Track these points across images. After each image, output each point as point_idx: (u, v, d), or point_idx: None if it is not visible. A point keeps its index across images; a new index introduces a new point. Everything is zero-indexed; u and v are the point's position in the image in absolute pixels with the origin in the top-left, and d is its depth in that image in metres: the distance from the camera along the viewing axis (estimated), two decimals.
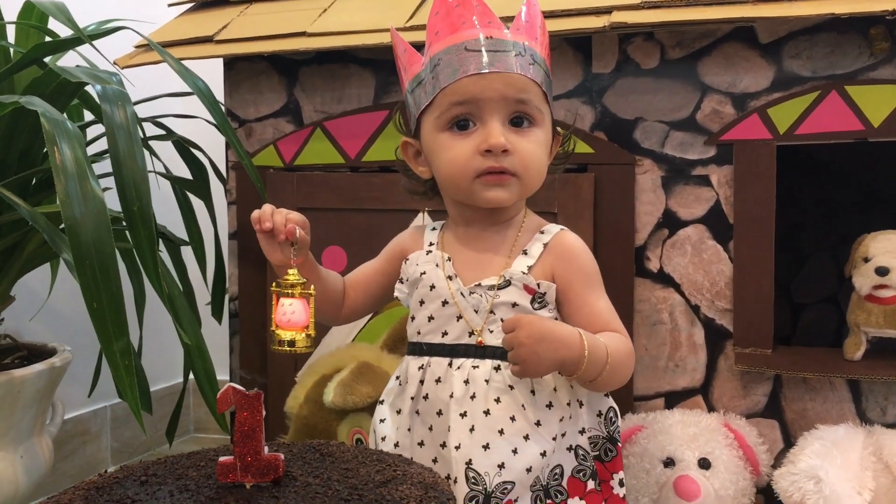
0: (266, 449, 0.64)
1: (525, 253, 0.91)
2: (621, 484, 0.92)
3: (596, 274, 0.94)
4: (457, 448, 0.86)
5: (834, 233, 1.66)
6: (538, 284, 0.90)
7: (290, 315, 0.85)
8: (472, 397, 0.87)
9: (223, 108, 1.47)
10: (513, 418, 0.87)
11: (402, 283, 0.97)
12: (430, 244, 0.97)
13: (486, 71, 0.86)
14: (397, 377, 0.96)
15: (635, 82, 1.28)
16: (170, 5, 1.58)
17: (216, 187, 1.56)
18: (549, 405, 0.88)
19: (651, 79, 1.27)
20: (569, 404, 0.90)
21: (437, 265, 0.93)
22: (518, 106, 0.88)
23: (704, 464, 1.14)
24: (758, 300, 1.23)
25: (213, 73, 1.51)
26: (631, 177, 1.28)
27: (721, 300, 1.25)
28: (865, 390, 1.20)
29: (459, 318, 0.90)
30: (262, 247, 0.94)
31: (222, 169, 1.53)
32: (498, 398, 0.87)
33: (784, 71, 1.21)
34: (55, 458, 1.38)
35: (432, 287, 0.91)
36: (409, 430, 0.92)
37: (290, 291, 0.85)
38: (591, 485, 0.90)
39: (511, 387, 0.87)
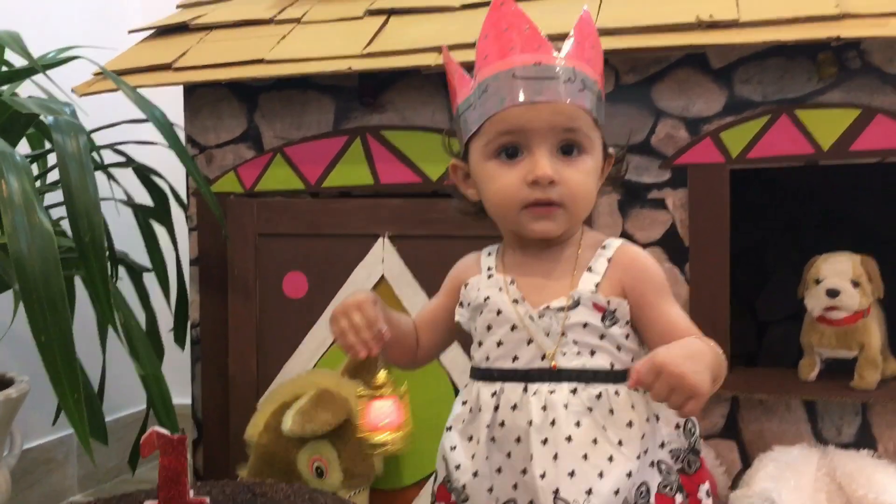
0: (192, 492, 0.63)
1: (590, 270, 0.88)
2: (708, 495, 0.89)
3: (665, 283, 0.90)
4: (542, 477, 0.83)
5: (797, 251, 1.68)
6: (608, 301, 0.86)
7: (387, 417, 0.80)
8: (553, 423, 0.84)
9: (184, 133, 1.47)
10: (595, 441, 0.84)
11: (461, 307, 0.94)
12: (489, 268, 0.93)
13: (534, 100, 0.83)
14: (464, 402, 0.92)
15: None
16: (130, 32, 1.58)
17: (179, 212, 1.56)
18: (630, 423, 0.85)
19: (607, 103, 1.27)
20: (647, 420, 0.86)
21: (500, 289, 0.89)
22: (567, 134, 0.85)
23: None
24: (714, 322, 1.23)
25: (176, 99, 1.51)
26: None
27: None
28: (821, 410, 1.21)
29: (530, 342, 0.86)
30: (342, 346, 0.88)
31: (184, 194, 1.52)
32: (578, 422, 0.84)
33: (736, 96, 1.22)
34: (17, 489, 1.37)
35: (499, 312, 0.88)
36: (486, 458, 0.88)
37: (381, 393, 0.80)
38: (679, 499, 0.86)
39: (590, 409, 0.84)
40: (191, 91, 1.48)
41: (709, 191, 1.23)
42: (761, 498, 1.05)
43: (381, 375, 0.82)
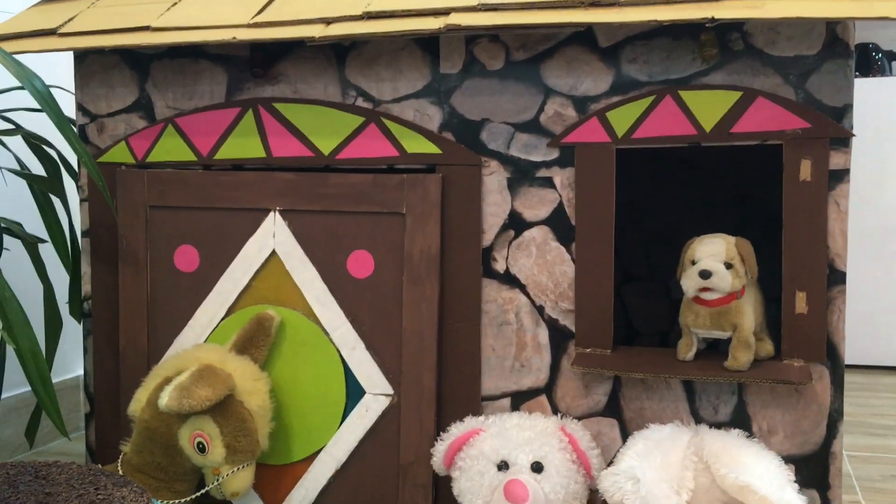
0: None
1: None
2: None
3: None
4: None
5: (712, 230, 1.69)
6: None
7: None
8: None
9: (75, 101, 1.44)
10: None
11: None
12: None
13: None
14: None
15: (481, 83, 1.27)
16: None
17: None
18: None
19: (496, 80, 1.27)
20: None
21: None
22: None
23: (537, 467, 1.15)
24: (598, 301, 1.24)
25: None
26: (477, 178, 1.28)
27: (564, 301, 1.26)
28: (699, 389, 1.22)
29: None
30: None
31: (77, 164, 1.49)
32: None
33: (622, 75, 1.22)
34: None
35: None
36: None
37: None
38: None
39: None
40: (82, 58, 1.44)
41: (595, 170, 1.23)
42: (626, 476, 1.06)
43: None
